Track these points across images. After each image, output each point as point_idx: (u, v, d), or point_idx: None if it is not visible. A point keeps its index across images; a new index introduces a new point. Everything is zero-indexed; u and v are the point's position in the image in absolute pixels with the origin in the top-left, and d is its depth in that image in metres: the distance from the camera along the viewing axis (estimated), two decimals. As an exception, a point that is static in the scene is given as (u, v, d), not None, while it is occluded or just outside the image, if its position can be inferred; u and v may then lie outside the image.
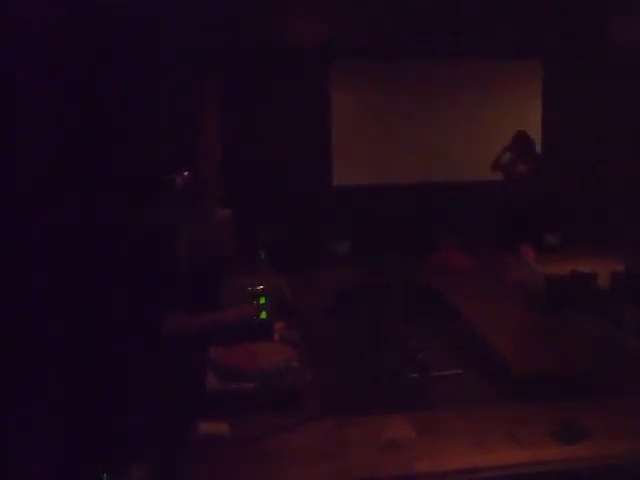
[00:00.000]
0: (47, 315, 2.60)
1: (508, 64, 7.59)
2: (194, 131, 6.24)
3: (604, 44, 6.87)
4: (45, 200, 2.55)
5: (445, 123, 7.59)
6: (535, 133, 7.69)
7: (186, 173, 3.48)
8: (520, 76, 7.68)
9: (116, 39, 3.31)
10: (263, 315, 3.25)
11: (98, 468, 2.43)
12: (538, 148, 7.00)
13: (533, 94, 7.71)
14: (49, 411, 2.57)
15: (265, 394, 2.58)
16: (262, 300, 3.29)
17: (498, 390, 2.87)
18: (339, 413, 2.54)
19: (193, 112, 6.21)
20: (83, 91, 2.92)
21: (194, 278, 3.22)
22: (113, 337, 2.70)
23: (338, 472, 2.16)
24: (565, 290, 4.16)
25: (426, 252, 6.33)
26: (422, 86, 7.52)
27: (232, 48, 6.41)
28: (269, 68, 6.93)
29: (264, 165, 6.93)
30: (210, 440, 2.33)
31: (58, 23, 2.61)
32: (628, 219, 7.05)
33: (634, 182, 7.34)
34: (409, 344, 3.17)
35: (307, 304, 4.21)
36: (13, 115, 2.40)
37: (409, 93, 7.54)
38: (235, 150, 6.75)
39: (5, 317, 2.30)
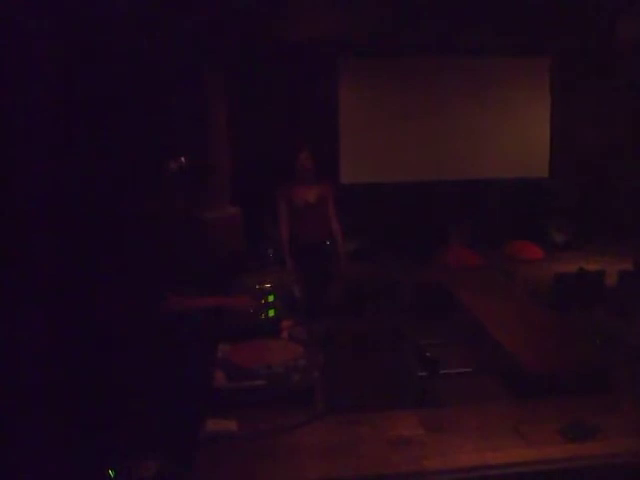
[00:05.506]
0: (49, 313, 2.61)
1: (515, 62, 7.56)
2: (202, 129, 6.25)
3: (613, 43, 6.83)
4: (52, 188, 2.56)
5: (453, 121, 7.58)
6: (543, 132, 7.68)
7: (182, 159, 3.45)
8: (527, 74, 7.65)
9: (117, 37, 3.33)
10: (271, 313, 3.25)
11: (104, 464, 2.45)
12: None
13: (541, 92, 7.69)
14: (56, 407, 2.58)
15: (273, 391, 2.59)
16: (271, 298, 3.30)
17: (507, 388, 2.87)
18: (348, 410, 2.54)
19: (200, 111, 6.23)
20: (89, 86, 2.93)
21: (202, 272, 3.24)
22: (123, 334, 2.71)
23: (347, 469, 2.16)
24: (573, 288, 4.15)
25: (435, 250, 6.33)
26: (429, 84, 7.50)
27: (237, 47, 6.41)
28: (275, 67, 6.93)
29: (271, 164, 6.93)
30: (218, 437, 2.34)
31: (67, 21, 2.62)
32: (636, 218, 7.03)
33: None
34: (418, 342, 3.17)
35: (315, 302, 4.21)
36: (20, 104, 2.41)
37: (416, 91, 7.53)
38: (242, 149, 6.75)
39: (6, 315, 2.31)
